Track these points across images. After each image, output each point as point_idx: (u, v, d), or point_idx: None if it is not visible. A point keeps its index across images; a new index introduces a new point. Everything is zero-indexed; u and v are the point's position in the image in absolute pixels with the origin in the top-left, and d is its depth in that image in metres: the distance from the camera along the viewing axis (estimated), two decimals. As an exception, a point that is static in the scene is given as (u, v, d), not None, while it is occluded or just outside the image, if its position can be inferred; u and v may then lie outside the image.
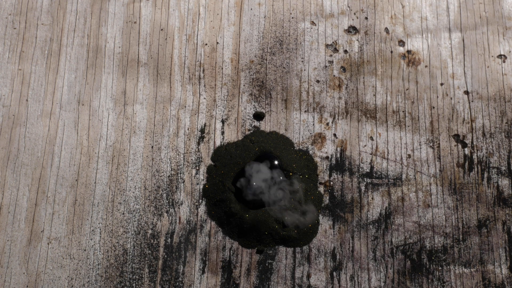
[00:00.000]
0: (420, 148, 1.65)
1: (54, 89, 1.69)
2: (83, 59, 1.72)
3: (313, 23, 1.75)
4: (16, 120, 1.66)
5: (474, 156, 1.65)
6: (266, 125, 1.67)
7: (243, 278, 1.55)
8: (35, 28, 1.74)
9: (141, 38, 1.74)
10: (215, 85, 1.70)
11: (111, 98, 1.68)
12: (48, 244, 1.56)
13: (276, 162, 1.60)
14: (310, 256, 1.56)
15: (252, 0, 1.77)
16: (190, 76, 1.70)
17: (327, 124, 1.67)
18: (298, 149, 1.64)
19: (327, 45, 1.74)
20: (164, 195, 1.60)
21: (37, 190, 1.60)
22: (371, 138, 1.66)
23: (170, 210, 1.59)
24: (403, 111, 1.68)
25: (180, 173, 1.62)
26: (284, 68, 1.71)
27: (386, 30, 1.75)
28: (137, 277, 1.54)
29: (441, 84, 1.71)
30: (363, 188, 1.62)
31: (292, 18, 1.76)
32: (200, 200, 1.60)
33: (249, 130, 1.66)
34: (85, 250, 1.56)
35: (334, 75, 1.71)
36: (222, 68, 1.71)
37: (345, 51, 1.73)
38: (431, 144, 1.66)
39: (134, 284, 1.54)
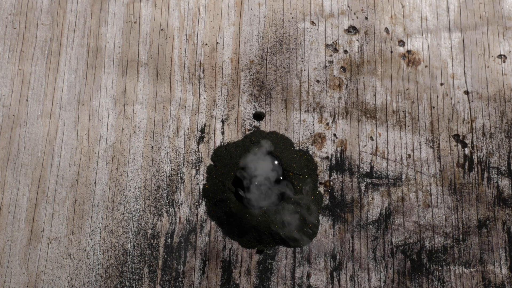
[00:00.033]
0: (420, 148, 1.65)
1: (54, 89, 1.69)
2: (83, 59, 1.72)
3: (313, 23, 1.75)
4: (16, 120, 1.66)
5: (474, 156, 1.65)
6: (266, 125, 1.67)
7: (243, 278, 1.55)
8: (35, 28, 1.74)
9: (141, 38, 1.74)
10: (215, 85, 1.70)
11: (111, 98, 1.68)
12: (48, 244, 1.56)
13: (276, 162, 1.61)
14: (310, 256, 1.57)
15: (252, 0, 1.77)
16: (190, 76, 1.70)
17: (327, 124, 1.67)
18: (298, 149, 1.64)
19: (327, 45, 1.74)
20: (164, 195, 1.60)
21: (37, 190, 1.60)
22: (371, 138, 1.66)
23: (170, 210, 1.59)
24: (403, 111, 1.68)
25: (180, 173, 1.62)
26: (284, 68, 1.71)
27: (386, 30, 1.75)
28: (137, 277, 1.54)
29: (441, 84, 1.71)
30: (363, 188, 1.62)
31: (292, 18, 1.76)
32: (200, 200, 1.60)
33: (249, 130, 1.66)
34: (85, 250, 1.56)
35: (334, 75, 1.71)
36: (222, 68, 1.71)
37: (345, 51, 1.73)
38: (431, 144, 1.66)
39: (134, 284, 1.54)
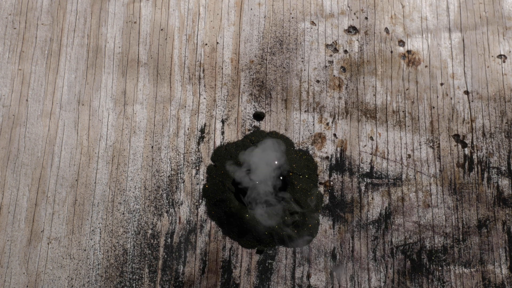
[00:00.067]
0: (420, 148, 1.65)
1: (54, 89, 1.69)
2: (83, 59, 1.72)
3: (313, 23, 1.75)
4: (16, 120, 1.66)
5: (474, 156, 1.65)
6: (266, 125, 1.67)
7: (243, 278, 1.55)
8: (35, 28, 1.74)
9: (141, 38, 1.74)
10: (215, 85, 1.70)
11: (111, 98, 1.68)
12: (48, 244, 1.56)
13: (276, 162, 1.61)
14: (310, 256, 1.57)
15: (252, 0, 1.77)
16: (190, 76, 1.70)
17: (327, 124, 1.67)
18: (298, 149, 1.64)
19: (327, 45, 1.74)
20: (164, 195, 1.60)
21: (37, 190, 1.60)
22: (371, 138, 1.66)
23: (170, 210, 1.59)
24: (403, 111, 1.68)
25: (180, 173, 1.62)
26: (284, 68, 1.71)
27: (386, 30, 1.75)
28: (137, 277, 1.54)
29: (441, 84, 1.71)
30: (363, 188, 1.62)
31: (292, 18, 1.76)
32: (200, 200, 1.60)
33: (249, 130, 1.66)
34: (85, 250, 1.56)
35: (334, 75, 1.71)
36: (222, 68, 1.71)
37: (345, 51, 1.73)
38: (431, 144, 1.66)
39: (134, 284, 1.54)
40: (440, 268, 1.56)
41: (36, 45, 1.73)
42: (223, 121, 1.67)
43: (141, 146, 1.64)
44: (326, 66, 1.72)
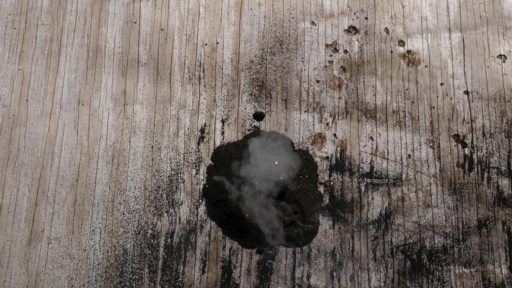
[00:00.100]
0: (420, 148, 1.65)
1: (54, 89, 1.69)
2: (83, 59, 1.72)
3: (313, 23, 1.75)
4: (16, 120, 1.66)
5: (474, 156, 1.65)
6: (266, 125, 1.67)
7: (243, 278, 1.55)
8: (35, 28, 1.74)
9: (141, 38, 1.74)
10: (215, 85, 1.70)
11: (111, 98, 1.68)
12: (48, 244, 1.56)
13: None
14: (310, 256, 1.56)
15: (252, 0, 1.77)
16: (190, 76, 1.70)
17: (327, 124, 1.67)
18: (298, 149, 1.64)
19: (327, 45, 1.74)
20: (164, 195, 1.60)
21: (37, 190, 1.60)
22: (371, 138, 1.66)
23: (170, 210, 1.59)
24: (403, 111, 1.68)
25: (180, 173, 1.62)
26: (284, 68, 1.71)
27: (386, 30, 1.75)
28: (137, 277, 1.54)
29: (441, 84, 1.71)
30: (363, 188, 1.62)
31: (292, 18, 1.76)
32: (200, 200, 1.60)
33: (249, 130, 1.66)
34: (85, 250, 1.56)
35: (334, 75, 1.71)
36: (222, 68, 1.71)
37: (345, 51, 1.73)
38: (431, 144, 1.66)
39: (134, 284, 1.54)
40: (440, 268, 1.56)
41: (36, 45, 1.73)
42: (223, 121, 1.67)
43: (141, 146, 1.64)
44: (326, 66, 1.72)
